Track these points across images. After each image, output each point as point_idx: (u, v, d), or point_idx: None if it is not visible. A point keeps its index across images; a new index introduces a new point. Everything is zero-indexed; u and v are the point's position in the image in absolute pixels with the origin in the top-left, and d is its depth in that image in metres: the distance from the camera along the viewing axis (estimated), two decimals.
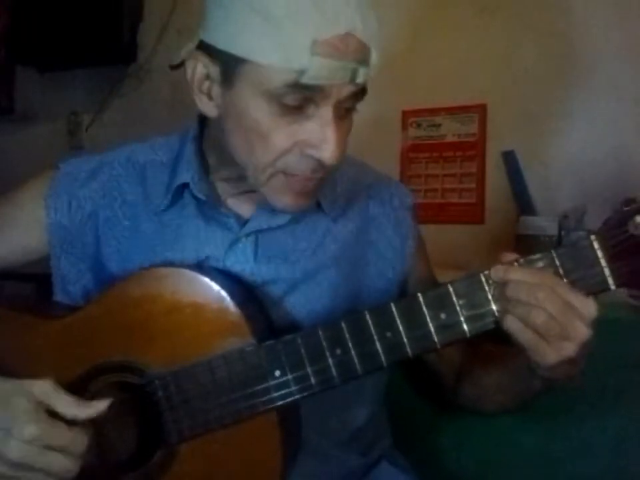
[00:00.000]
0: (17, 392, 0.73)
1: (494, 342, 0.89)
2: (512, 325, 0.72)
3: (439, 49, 1.86)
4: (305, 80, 0.73)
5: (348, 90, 0.76)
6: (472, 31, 1.82)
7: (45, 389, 0.73)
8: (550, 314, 0.70)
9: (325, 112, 0.76)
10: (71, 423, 0.73)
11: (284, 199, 0.82)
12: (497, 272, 0.73)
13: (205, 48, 0.79)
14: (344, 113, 0.79)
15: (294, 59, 0.72)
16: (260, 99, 0.76)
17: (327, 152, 0.76)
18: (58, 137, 2.44)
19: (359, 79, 0.76)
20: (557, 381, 0.79)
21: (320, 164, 0.78)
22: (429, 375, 1.01)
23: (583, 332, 0.70)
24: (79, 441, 0.73)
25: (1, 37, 2.43)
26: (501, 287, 0.73)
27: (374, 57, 0.77)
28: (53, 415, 0.73)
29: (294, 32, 0.72)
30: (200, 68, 0.80)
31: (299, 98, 0.75)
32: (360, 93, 0.79)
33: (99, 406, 0.75)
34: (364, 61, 0.76)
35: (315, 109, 0.76)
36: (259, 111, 0.76)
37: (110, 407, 0.76)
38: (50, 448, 0.71)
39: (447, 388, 1.00)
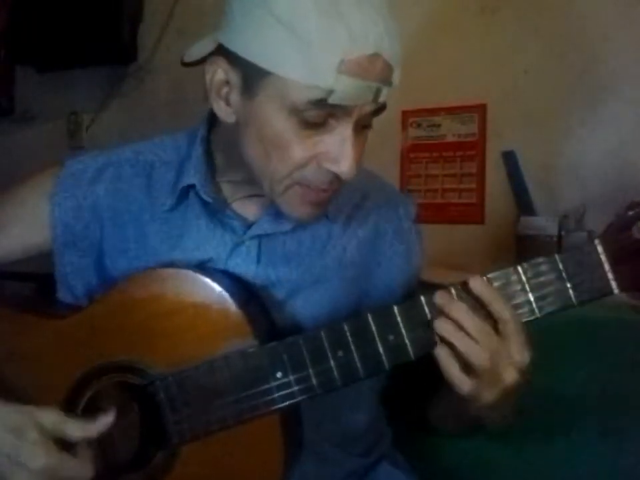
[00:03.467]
0: (27, 423, 0.75)
1: None
2: (443, 356, 0.73)
3: (439, 49, 1.86)
4: (332, 100, 0.73)
5: (369, 108, 0.76)
6: (472, 30, 1.82)
7: (53, 419, 0.76)
8: (490, 357, 0.71)
9: (345, 128, 0.76)
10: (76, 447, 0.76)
11: (301, 210, 0.82)
12: (443, 298, 0.73)
13: (225, 53, 0.78)
14: (361, 129, 0.79)
15: (320, 77, 0.72)
16: (282, 112, 0.75)
17: (345, 167, 0.76)
18: (58, 136, 2.44)
19: (382, 98, 0.76)
20: (488, 418, 0.80)
21: (336, 177, 0.78)
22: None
23: (512, 377, 0.72)
24: (86, 469, 0.76)
25: (0, 36, 2.43)
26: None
27: (395, 76, 0.77)
28: (62, 442, 0.75)
29: (322, 49, 0.71)
30: (220, 73, 0.79)
31: (322, 115, 0.75)
32: (379, 109, 0.79)
33: (106, 420, 0.77)
34: (387, 80, 0.76)
35: (335, 124, 0.76)
36: (280, 123, 0.76)
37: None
38: (58, 479, 0.74)
39: None
